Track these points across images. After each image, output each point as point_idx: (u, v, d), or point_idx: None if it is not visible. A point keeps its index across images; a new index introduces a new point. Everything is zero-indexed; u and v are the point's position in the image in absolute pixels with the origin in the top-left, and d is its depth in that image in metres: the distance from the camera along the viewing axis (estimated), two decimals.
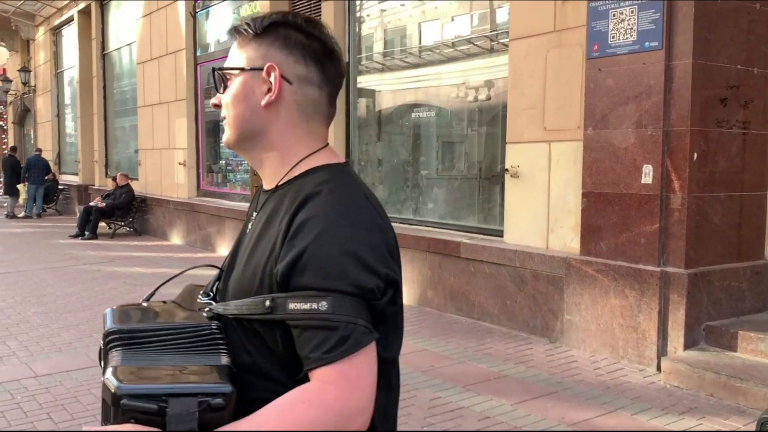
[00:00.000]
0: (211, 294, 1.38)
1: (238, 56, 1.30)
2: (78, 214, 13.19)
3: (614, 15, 5.04)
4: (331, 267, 1.13)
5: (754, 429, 3.88)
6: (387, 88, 8.37)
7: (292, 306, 1.14)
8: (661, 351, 4.81)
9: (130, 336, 1.24)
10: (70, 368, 4.92)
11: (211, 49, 11.17)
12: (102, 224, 12.67)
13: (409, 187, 7.85)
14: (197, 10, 11.40)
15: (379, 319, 1.18)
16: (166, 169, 12.22)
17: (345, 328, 1.11)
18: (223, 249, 10.09)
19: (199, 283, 1.50)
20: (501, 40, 6.60)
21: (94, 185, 15.89)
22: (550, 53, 5.64)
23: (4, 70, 23.96)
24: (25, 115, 22.86)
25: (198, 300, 1.39)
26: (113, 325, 1.27)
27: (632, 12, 4.93)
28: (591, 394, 4.43)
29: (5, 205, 16.96)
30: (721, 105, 4.91)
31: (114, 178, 13.52)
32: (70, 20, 16.98)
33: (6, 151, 20.46)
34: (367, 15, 8.34)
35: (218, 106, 1.35)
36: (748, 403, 4.18)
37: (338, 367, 1.10)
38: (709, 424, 3.97)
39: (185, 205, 11.43)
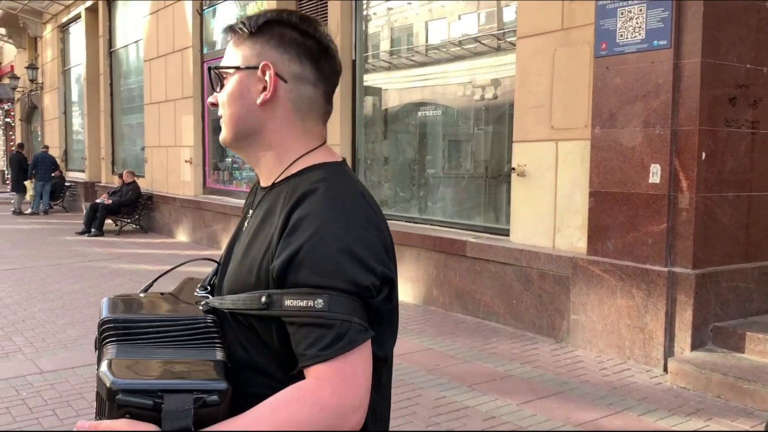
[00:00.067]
0: (209, 288, 1.39)
1: (234, 55, 1.31)
2: (84, 211, 13.23)
3: (622, 13, 5.01)
4: (327, 264, 1.13)
5: (761, 431, 3.86)
6: (393, 86, 8.36)
7: (288, 303, 1.14)
8: (668, 352, 4.79)
9: (125, 326, 1.24)
10: (75, 365, 4.93)
11: (218, 46, 11.17)
12: (108, 221, 12.70)
13: (415, 186, 7.84)
14: (204, 8, 11.40)
15: (375, 317, 1.19)
16: (172, 167, 12.23)
17: (340, 325, 1.12)
18: None
19: (196, 277, 1.50)
20: (508, 39, 6.57)
21: (100, 182, 15.93)
22: (557, 51, 5.61)
23: (12, 67, 24.02)
24: (32, 112, 22.92)
25: (195, 293, 1.39)
26: (108, 315, 1.27)
27: (641, 10, 4.90)
28: (597, 394, 4.41)
29: (12, 201, 17.01)
30: (730, 104, 4.87)
31: (120, 176, 13.54)
32: (77, 17, 17.02)
33: (13, 148, 20.54)
34: (374, 13, 8.33)
35: (215, 104, 1.35)
36: (756, 404, 4.15)
37: (333, 364, 1.11)
38: (716, 426, 3.94)
39: (191, 203, 11.44)
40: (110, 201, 12.55)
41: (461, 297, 6.41)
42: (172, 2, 11.88)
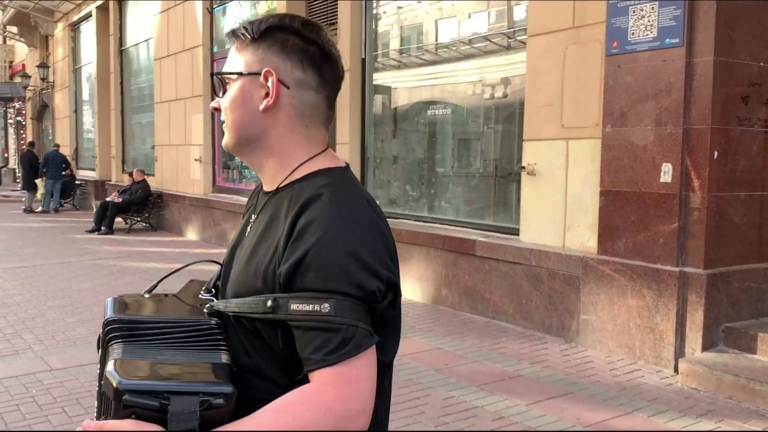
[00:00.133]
0: (213, 291, 1.39)
1: (236, 60, 1.32)
2: (95, 210, 13.28)
3: (634, 11, 4.98)
4: (334, 268, 1.14)
5: None
6: (403, 85, 8.34)
7: (294, 307, 1.14)
8: (679, 352, 4.75)
9: (130, 327, 1.24)
10: (84, 362, 4.94)
11: (228, 45, 11.18)
12: (118, 219, 12.75)
13: (425, 185, 7.82)
14: (214, 7, 11.43)
15: (379, 322, 1.19)
16: (182, 165, 12.27)
17: (347, 330, 1.12)
18: None
19: (201, 279, 1.50)
20: (518, 37, 6.54)
21: (110, 181, 15.99)
22: (568, 50, 5.58)
23: (23, 65, 24.17)
24: (43, 110, 23.05)
25: (200, 296, 1.39)
26: (113, 315, 1.27)
27: (653, 8, 4.86)
28: (607, 395, 4.38)
29: (23, 199, 17.11)
30: (743, 103, 4.83)
31: (130, 174, 13.60)
32: (88, 16, 17.09)
33: (24, 147, 20.64)
34: (384, 12, 8.31)
35: (217, 109, 1.35)
36: None
37: (339, 369, 1.11)
38: (727, 428, 3.91)
39: (201, 201, 11.47)
40: (120, 199, 12.60)
41: (470, 296, 6.38)
42: (182, 1, 11.91)
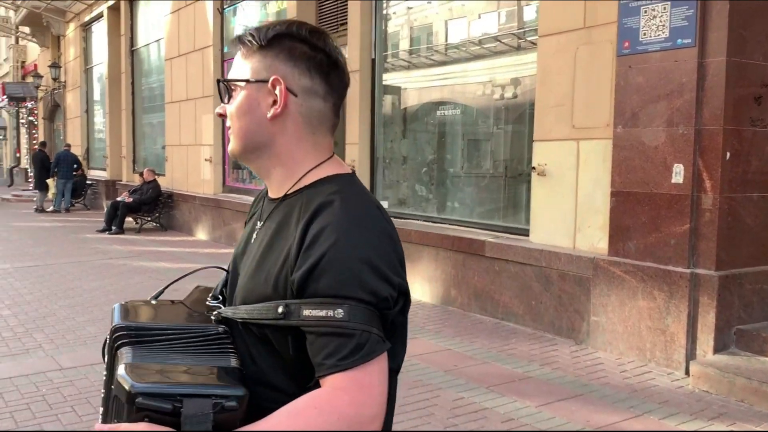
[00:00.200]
0: (220, 297, 1.39)
1: (243, 67, 1.30)
2: (105, 209, 13.34)
3: (646, 12, 4.95)
4: (347, 274, 1.13)
5: None
6: (413, 85, 8.33)
7: (306, 312, 1.14)
8: (690, 354, 4.72)
9: (138, 333, 1.24)
10: (94, 362, 4.95)
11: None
12: (129, 219, 12.81)
13: (434, 185, 7.80)
14: (225, 7, 11.45)
15: (390, 329, 1.19)
16: (192, 165, 12.30)
17: (360, 336, 1.11)
18: None
19: (207, 285, 1.50)
20: (528, 38, 6.52)
21: (121, 180, 16.06)
22: (579, 50, 5.55)
23: (35, 65, 24.32)
24: (55, 110, 23.18)
25: (207, 302, 1.39)
26: (120, 321, 1.27)
27: (665, 9, 4.83)
28: (617, 397, 4.36)
29: (35, 199, 17.21)
30: (756, 103, 4.79)
31: (141, 174, 13.64)
32: (99, 16, 17.17)
33: (36, 147, 20.77)
34: (394, 13, 8.30)
35: (223, 116, 1.34)
36: None
37: (352, 374, 1.11)
38: (739, 431, 3.88)
39: (211, 201, 11.50)
40: (131, 199, 12.66)
41: (480, 297, 6.37)
42: (193, 1, 11.95)
